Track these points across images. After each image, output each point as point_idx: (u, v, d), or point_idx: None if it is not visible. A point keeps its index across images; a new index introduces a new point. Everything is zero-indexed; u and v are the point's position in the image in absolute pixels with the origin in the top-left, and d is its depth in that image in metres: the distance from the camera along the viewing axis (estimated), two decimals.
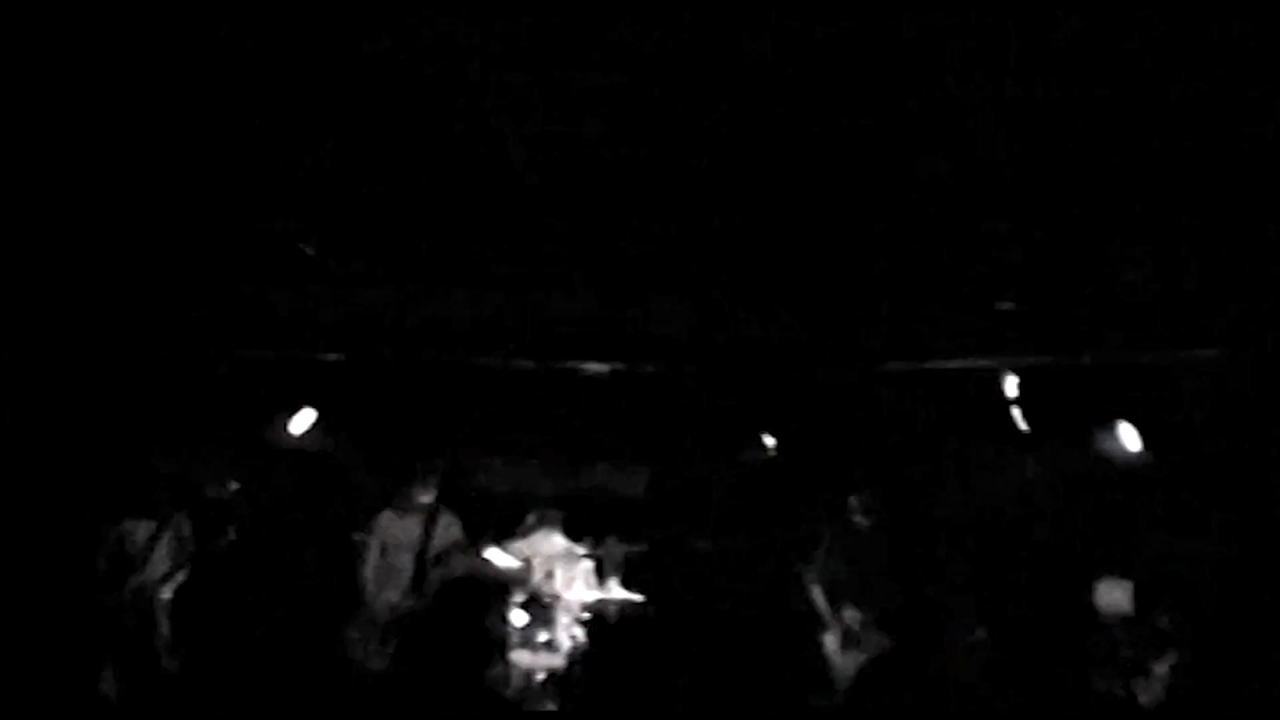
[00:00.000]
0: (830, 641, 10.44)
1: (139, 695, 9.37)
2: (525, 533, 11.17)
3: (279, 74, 6.76)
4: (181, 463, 11.19)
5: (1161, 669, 9.28)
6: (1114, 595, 9.80)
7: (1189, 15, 5.83)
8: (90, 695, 8.76)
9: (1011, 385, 10.48)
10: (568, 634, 10.76)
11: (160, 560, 9.97)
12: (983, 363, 10.51)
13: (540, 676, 10.55)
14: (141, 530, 10.01)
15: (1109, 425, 10.44)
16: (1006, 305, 9.78)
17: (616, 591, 11.07)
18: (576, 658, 10.62)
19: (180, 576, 10.02)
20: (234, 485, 11.70)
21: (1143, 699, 9.12)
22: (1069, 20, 5.97)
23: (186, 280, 10.11)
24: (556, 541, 11.14)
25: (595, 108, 7.04)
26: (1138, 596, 9.71)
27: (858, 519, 10.93)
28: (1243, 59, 6.14)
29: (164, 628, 9.87)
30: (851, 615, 10.45)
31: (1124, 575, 9.91)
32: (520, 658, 10.57)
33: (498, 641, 10.35)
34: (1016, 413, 10.54)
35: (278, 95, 7.02)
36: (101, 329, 10.21)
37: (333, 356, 11.23)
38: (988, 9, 5.92)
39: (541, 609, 10.80)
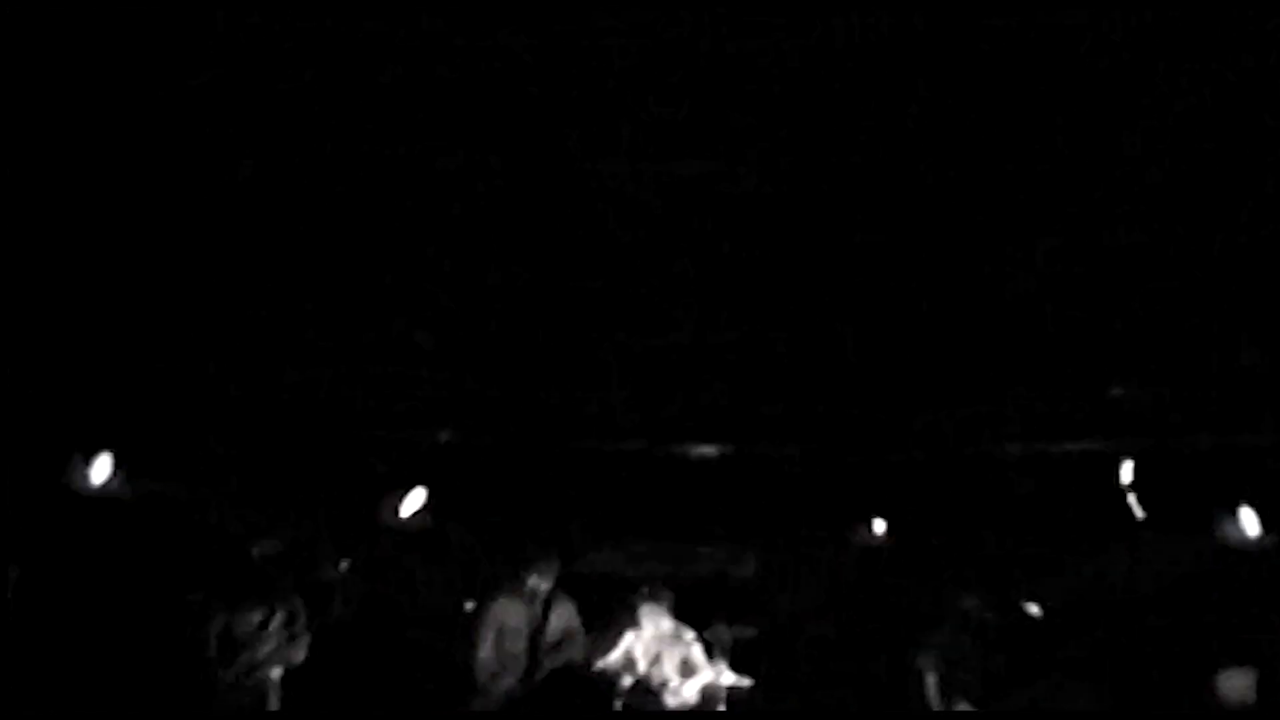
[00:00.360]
0: None
1: None
2: (636, 615, 11.12)
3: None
4: (292, 546, 11.28)
5: None
6: (1236, 683, 9.61)
7: None
8: None
9: (1128, 469, 10.35)
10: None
11: (272, 640, 10.02)
12: (1097, 446, 10.39)
13: None
14: (253, 612, 10.07)
15: (1228, 509, 10.27)
16: (1117, 391, 9.65)
17: (725, 676, 10.98)
18: None
19: (292, 655, 10.05)
20: (345, 565, 11.79)
21: None
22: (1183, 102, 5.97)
23: (294, 362, 10.23)
24: (665, 624, 11.08)
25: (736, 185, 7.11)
26: (1260, 684, 9.52)
27: (970, 607, 10.79)
28: None
29: (274, 705, 9.93)
30: (964, 707, 10.30)
31: (1246, 663, 9.72)
32: None
33: None
34: (1133, 497, 10.39)
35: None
36: (218, 414, 10.37)
37: (444, 437, 11.34)
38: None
39: (650, 694, 10.74)
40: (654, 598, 11.14)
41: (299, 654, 10.02)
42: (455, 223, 7.62)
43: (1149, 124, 6.18)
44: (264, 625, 10.01)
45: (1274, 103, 6.02)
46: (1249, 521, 10.24)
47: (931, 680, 10.56)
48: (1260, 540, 10.27)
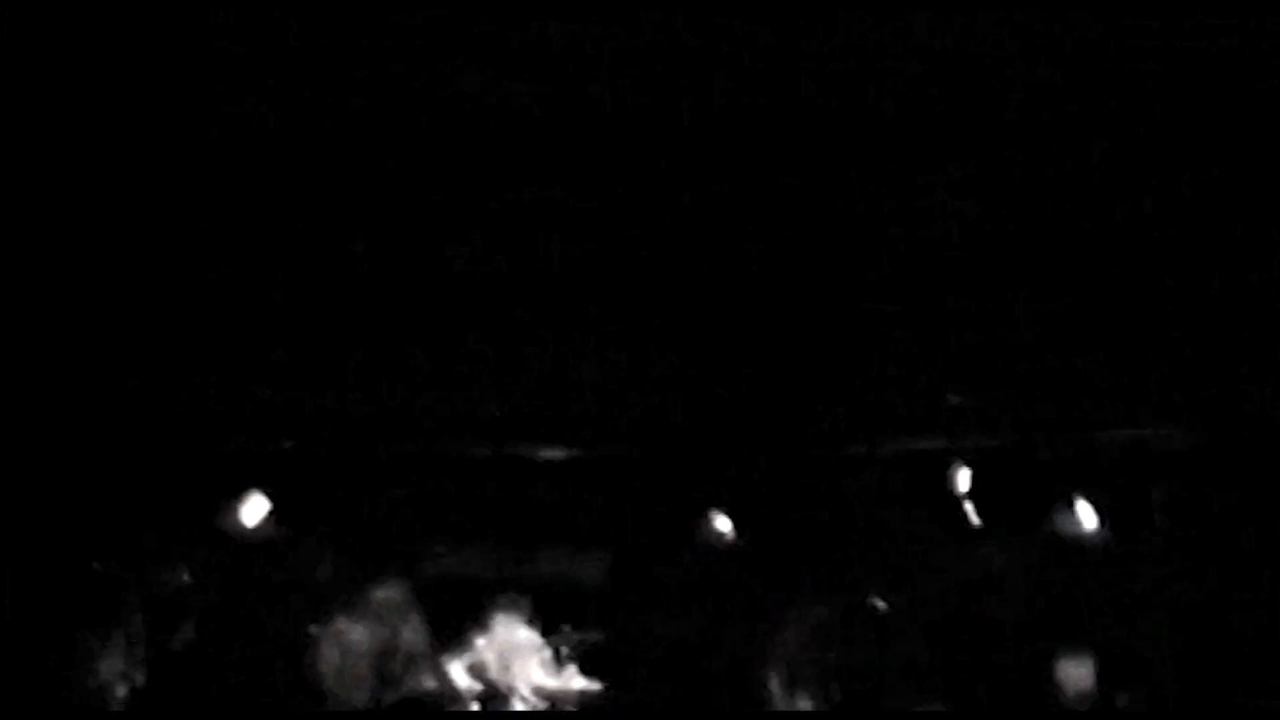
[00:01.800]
0: None
1: None
2: (489, 620, 11.07)
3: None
4: (130, 559, 11.03)
5: None
6: (1076, 673, 9.79)
7: None
8: None
9: (968, 468, 10.51)
10: None
11: (113, 659, 9.81)
12: (939, 445, 10.53)
13: None
14: (93, 631, 9.85)
15: (1066, 506, 10.46)
16: (954, 398, 9.79)
17: (575, 681, 10.97)
18: None
19: (135, 674, 9.85)
20: (186, 578, 11.55)
21: None
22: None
23: (131, 369, 10.00)
24: (515, 631, 11.05)
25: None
26: (1100, 674, 9.71)
27: (814, 605, 10.89)
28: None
29: None
30: (809, 706, 10.38)
31: (1085, 654, 9.91)
32: None
33: None
34: (974, 495, 10.55)
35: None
36: (40, 430, 10.10)
37: (284, 445, 11.17)
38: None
39: (500, 700, 10.70)
40: (510, 603, 11.11)
41: (142, 675, 9.83)
42: (296, 223, 7.51)
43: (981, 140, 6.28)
44: (105, 642, 9.81)
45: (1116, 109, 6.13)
46: (1086, 516, 10.44)
47: (775, 680, 10.64)
48: (1096, 534, 10.47)
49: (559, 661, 11.08)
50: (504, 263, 8.18)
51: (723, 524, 12.18)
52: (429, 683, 10.58)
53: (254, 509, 11.44)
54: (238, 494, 11.38)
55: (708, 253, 7.83)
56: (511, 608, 11.10)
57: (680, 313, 8.90)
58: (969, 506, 10.60)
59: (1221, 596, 10.01)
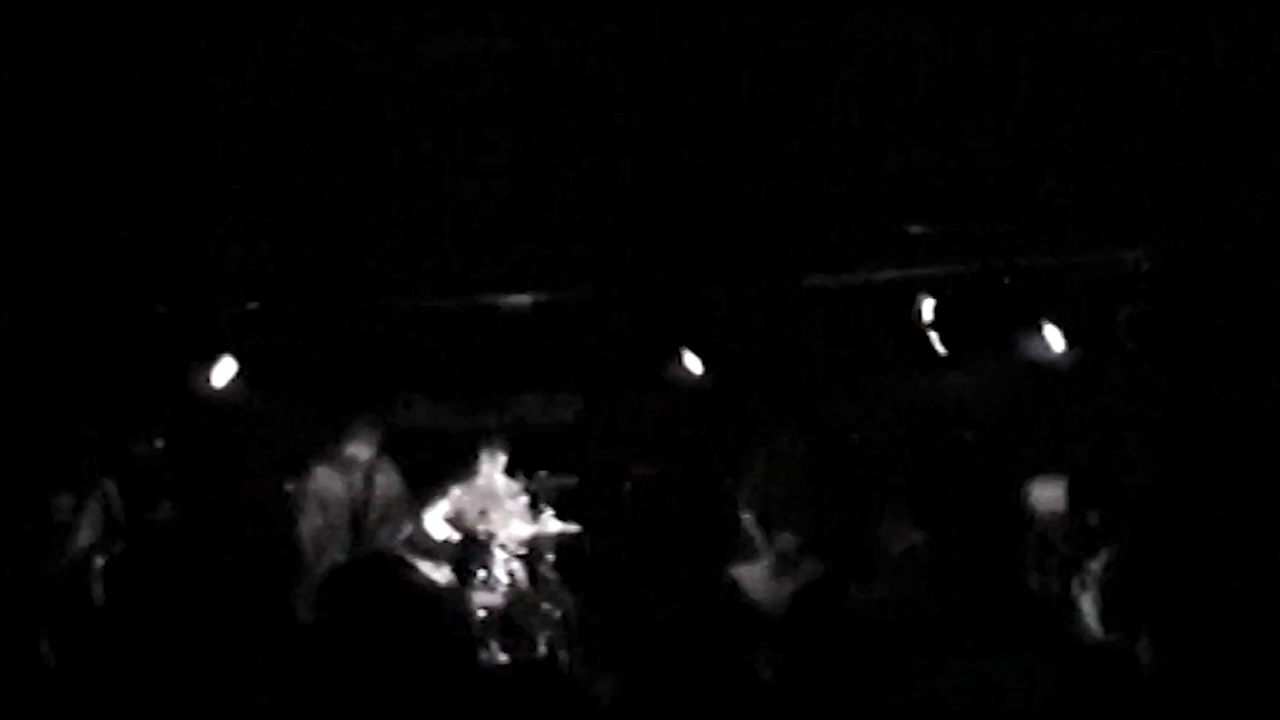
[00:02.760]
0: (763, 568, 10.45)
1: (78, 664, 9.30)
2: (461, 473, 11.12)
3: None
4: (101, 426, 11.02)
5: (1095, 565, 9.37)
6: (1046, 494, 9.87)
7: None
8: (30, 666, 8.70)
9: (932, 296, 10.52)
10: (505, 570, 10.78)
11: (89, 527, 9.84)
12: (903, 274, 10.54)
13: (480, 615, 10.55)
14: (66, 499, 9.86)
15: (1033, 328, 10.49)
16: (916, 229, 9.76)
17: (551, 525, 11.06)
18: (515, 594, 10.69)
19: (112, 543, 9.88)
20: (159, 443, 11.57)
21: (1077, 594, 9.22)
22: None
23: (91, 236, 9.90)
24: (491, 477, 11.11)
25: None
26: (1070, 494, 9.79)
27: (784, 440, 10.96)
28: None
29: (99, 595, 9.75)
30: (784, 541, 10.49)
31: (1055, 474, 9.99)
32: (459, 597, 10.54)
33: (439, 585, 10.39)
34: (939, 322, 10.57)
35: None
36: (6, 293, 10.02)
37: (250, 306, 11.13)
38: None
39: (478, 547, 10.80)
40: (484, 451, 11.15)
41: (119, 542, 9.86)
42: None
43: None
44: (78, 510, 9.84)
45: None
46: (1053, 338, 10.47)
47: (749, 518, 10.75)
48: (1063, 356, 10.52)
49: (535, 507, 11.16)
50: (464, 116, 8.08)
51: (690, 362, 12.23)
52: (407, 532, 10.67)
53: (223, 371, 11.42)
54: (206, 356, 11.36)
55: (664, 84, 7.73)
56: (486, 456, 11.15)
57: (638, 148, 8.82)
58: (934, 335, 10.63)
59: (1190, 414, 10.09)
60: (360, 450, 10.50)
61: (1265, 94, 7.40)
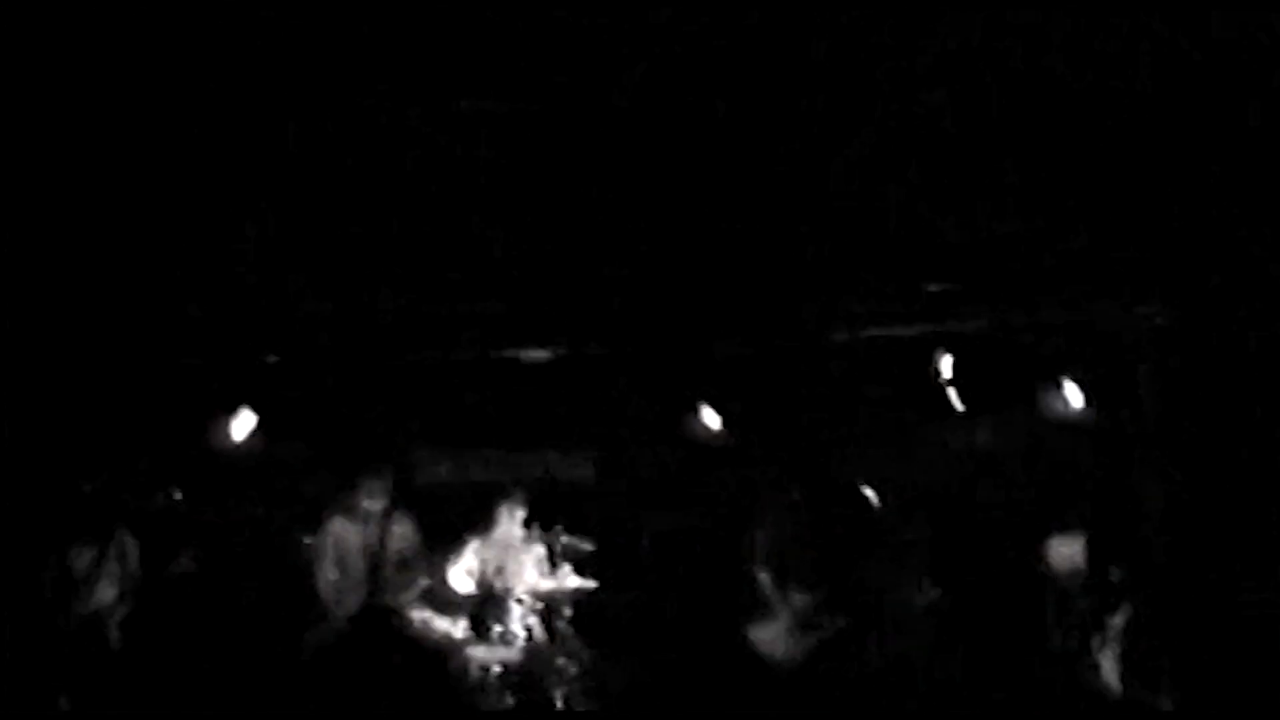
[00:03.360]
0: (780, 626, 10.39)
1: (96, 717, 9.30)
2: (479, 527, 11.11)
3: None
4: (120, 479, 11.03)
5: (1116, 622, 9.32)
6: (1066, 550, 9.83)
7: None
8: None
9: (951, 353, 10.51)
10: (522, 625, 10.75)
11: (108, 581, 9.84)
12: (921, 330, 10.53)
13: (496, 670, 10.51)
14: (85, 553, 9.86)
15: (1052, 385, 10.48)
16: (934, 287, 9.77)
17: (569, 580, 11.03)
18: (531, 649, 10.66)
19: (130, 596, 9.88)
20: (178, 495, 11.57)
21: (1097, 651, 9.17)
22: None
23: (113, 288, 9.95)
24: (509, 532, 11.09)
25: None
26: (1089, 550, 9.75)
27: (800, 496, 10.93)
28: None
29: (118, 648, 9.76)
30: (800, 598, 10.44)
31: (1074, 531, 9.95)
32: (475, 652, 10.53)
33: (455, 639, 10.39)
34: (958, 379, 10.57)
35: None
36: (24, 345, 10.06)
37: (269, 359, 11.15)
38: None
39: (494, 601, 10.77)
40: (502, 505, 11.14)
41: (137, 595, 9.86)
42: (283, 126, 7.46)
43: None
44: (96, 563, 9.83)
45: None
46: (1072, 394, 10.46)
47: (764, 574, 10.70)
48: (1083, 414, 10.50)
49: (553, 562, 11.13)
50: (482, 171, 8.12)
51: (708, 417, 12.23)
52: (424, 585, 10.66)
53: (241, 424, 11.45)
54: (224, 409, 11.40)
55: (683, 143, 7.77)
56: (504, 510, 11.13)
57: (656, 205, 8.84)
58: (952, 392, 10.62)
59: (1210, 470, 10.05)
60: (372, 502, 10.50)
61: None
